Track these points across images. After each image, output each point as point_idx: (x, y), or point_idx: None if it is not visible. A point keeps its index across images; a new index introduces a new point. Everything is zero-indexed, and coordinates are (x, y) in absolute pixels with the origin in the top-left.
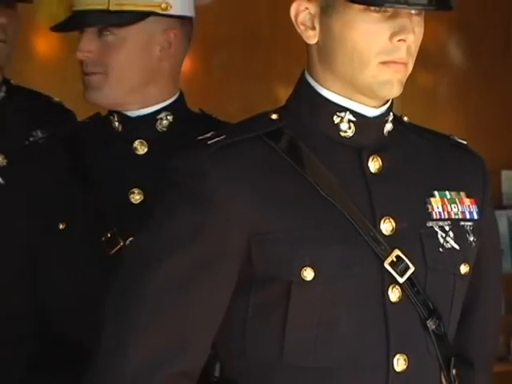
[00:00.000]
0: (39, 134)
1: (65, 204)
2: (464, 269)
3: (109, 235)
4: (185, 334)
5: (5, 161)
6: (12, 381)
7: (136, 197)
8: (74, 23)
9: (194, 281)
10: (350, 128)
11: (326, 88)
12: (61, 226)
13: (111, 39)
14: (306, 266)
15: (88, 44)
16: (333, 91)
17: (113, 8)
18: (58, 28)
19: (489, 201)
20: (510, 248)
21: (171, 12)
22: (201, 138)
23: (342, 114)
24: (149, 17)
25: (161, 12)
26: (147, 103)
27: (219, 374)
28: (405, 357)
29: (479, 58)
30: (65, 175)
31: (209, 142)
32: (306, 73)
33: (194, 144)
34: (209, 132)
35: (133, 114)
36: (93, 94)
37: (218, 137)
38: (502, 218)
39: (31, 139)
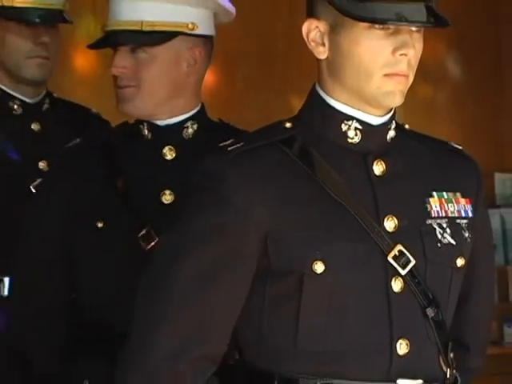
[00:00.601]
0: (77, 141)
1: (101, 204)
2: (460, 262)
3: (144, 232)
4: (205, 327)
5: (47, 167)
6: (50, 365)
7: (167, 197)
8: (110, 42)
9: (212, 282)
10: (356, 135)
11: (334, 99)
12: (99, 225)
13: (143, 56)
14: (316, 260)
15: (122, 61)
16: (341, 102)
17: (146, 29)
18: (96, 45)
19: (482, 201)
20: (503, 243)
21: (197, 32)
22: (222, 144)
23: (350, 123)
24: (177, 36)
25: (188, 32)
26: (174, 113)
27: (238, 357)
28: (407, 341)
29: (474, 73)
30: (100, 178)
31: (229, 149)
32: (317, 85)
33: (215, 150)
34: (229, 139)
35: (161, 123)
36: (126, 106)
37: (236, 144)
38: (495, 215)
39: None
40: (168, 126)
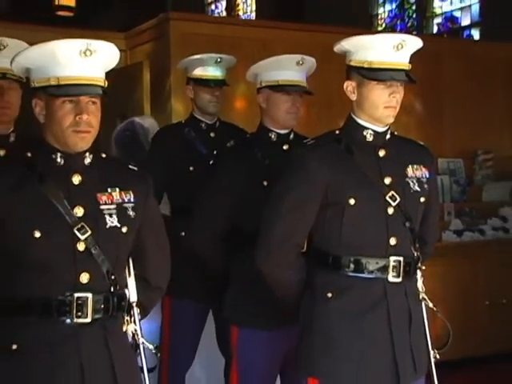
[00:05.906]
0: (232, 142)
1: (264, 170)
2: (422, 199)
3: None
4: (297, 228)
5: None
6: (218, 263)
7: None
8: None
9: (299, 206)
10: (371, 137)
11: (360, 119)
12: (265, 183)
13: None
14: (351, 197)
15: (298, 102)
16: (363, 120)
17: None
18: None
19: (434, 170)
20: (441, 191)
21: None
22: (304, 141)
23: (368, 131)
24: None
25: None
26: (292, 127)
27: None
28: (395, 238)
29: (428, 108)
30: (250, 158)
31: (307, 144)
32: (351, 113)
33: (301, 144)
34: (305, 140)
35: (282, 131)
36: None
37: (311, 141)
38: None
39: (228, 145)
40: (284, 134)
